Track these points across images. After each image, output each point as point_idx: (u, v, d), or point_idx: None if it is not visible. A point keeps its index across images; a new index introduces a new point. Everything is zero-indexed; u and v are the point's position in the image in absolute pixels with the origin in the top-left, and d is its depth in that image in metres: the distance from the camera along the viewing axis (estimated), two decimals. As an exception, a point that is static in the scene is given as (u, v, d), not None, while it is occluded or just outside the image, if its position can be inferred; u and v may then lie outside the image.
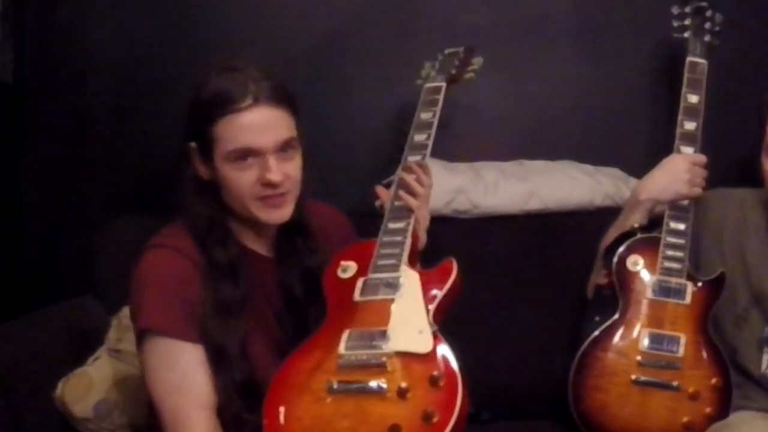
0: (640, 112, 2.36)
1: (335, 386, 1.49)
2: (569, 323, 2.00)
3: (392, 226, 1.70)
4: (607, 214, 2.08)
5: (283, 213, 1.60)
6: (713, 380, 1.79)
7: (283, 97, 1.58)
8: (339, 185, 1.74)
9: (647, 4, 2.31)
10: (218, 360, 1.53)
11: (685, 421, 1.77)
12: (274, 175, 1.55)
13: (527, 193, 2.19)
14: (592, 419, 1.83)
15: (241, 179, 1.56)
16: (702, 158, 1.93)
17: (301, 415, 1.48)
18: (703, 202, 1.94)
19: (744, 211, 1.94)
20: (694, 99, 1.98)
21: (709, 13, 2.08)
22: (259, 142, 1.54)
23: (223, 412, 1.54)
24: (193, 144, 1.59)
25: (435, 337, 1.51)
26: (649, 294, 1.86)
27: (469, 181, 2.19)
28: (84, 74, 2.33)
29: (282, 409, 1.48)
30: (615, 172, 2.26)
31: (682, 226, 1.90)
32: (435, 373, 1.47)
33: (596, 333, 1.85)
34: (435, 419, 1.42)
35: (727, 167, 2.05)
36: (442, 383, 1.46)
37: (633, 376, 1.80)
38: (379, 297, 1.58)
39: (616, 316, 1.85)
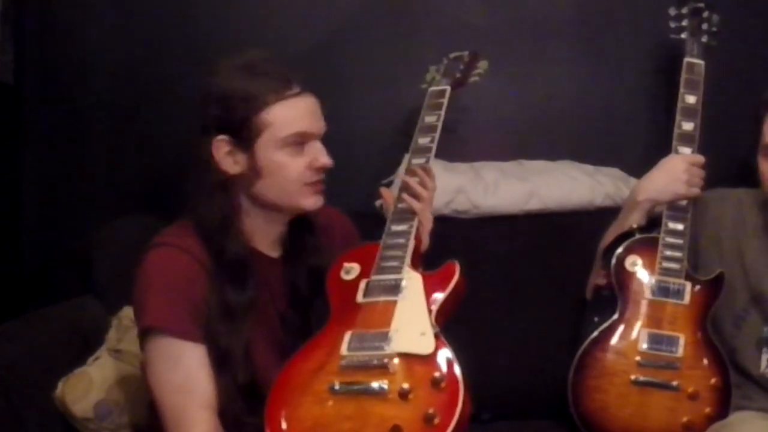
0: (639, 112, 2.36)
1: (337, 387, 1.49)
2: (569, 323, 2.00)
3: (395, 228, 1.71)
4: (607, 214, 2.08)
5: (322, 199, 1.65)
6: (713, 380, 1.79)
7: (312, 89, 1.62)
8: (341, 186, 1.74)
9: (645, 5, 2.31)
10: (222, 361, 1.54)
11: (685, 421, 1.77)
12: (326, 159, 1.61)
13: (527, 193, 2.19)
14: (592, 419, 1.83)
15: (295, 164, 1.59)
16: (700, 158, 1.93)
17: (303, 417, 1.48)
18: (702, 203, 1.95)
19: (742, 212, 1.94)
20: (691, 99, 1.98)
21: (706, 14, 2.09)
22: (314, 126, 1.60)
23: (224, 414, 1.54)
24: (222, 137, 1.58)
25: (437, 338, 1.52)
26: (648, 294, 1.86)
27: (469, 181, 2.19)
28: (84, 74, 2.33)
29: (284, 411, 1.49)
30: (615, 172, 2.26)
31: (680, 227, 1.90)
32: (437, 374, 1.47)
33: (595, 333, 1.85)
34: (436, 421, 1.43)
35: (725, 167, 2.05)
36: (443, 385, 1.46)
37: (632, 377, 1.80)
38: (382, 299, 1.59)
39: (616, 316, 1.86)
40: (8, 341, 1.84)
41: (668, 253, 1.87)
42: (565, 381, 1.85)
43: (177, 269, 1.56)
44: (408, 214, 1.73)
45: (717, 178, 1.97)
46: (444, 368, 1.48)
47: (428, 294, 1.59)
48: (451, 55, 2.06)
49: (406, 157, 1.87)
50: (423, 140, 1.83)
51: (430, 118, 1.87)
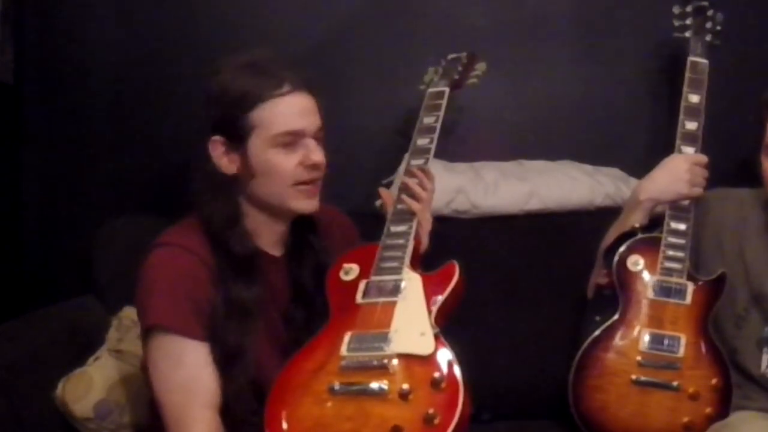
0: (640, 112, 2.36)
1: (337, 388, 1.49)
2: (569, 323, 2.00)
3: (395, 229, 1.71)
4: (607, 214, 2.08)
5: (316, 203, 1.64)
6: (713, 380, 1.79)
7: (311, 87, 1.62)
8: (341, 186, 1.74)
9: (647, 4, 2.31)
10: (226, 361, 1.54)
11: (685, 421, 1.77)
12: (317, 156, 1.60)
13: (527, 193, 2.19)
14: (593, 419, 1.83)
15: (286, 162, 1.59)
16: (703, 158, 1.92)
17: (303, 417, 1.48)
18: (704, 202, 1.94)
19: (744, 212, 1.94)
20: (695, 99, 1.98)
21: (710, 13, 2.09)
22: (304, 124, 1.59)
23: (229, 412, 1.53)
24: (217, 137, 1.59)
25: (437, 339, 1.52)
26: (649, 294, 1.86)
27: (469, 181, 2.19)
28: (84, 74, 2.33)
29: (284, 411, 1.49)
30: (615, 172, 2.26)
31: (682, 226, 1.90)
32: (436, 375, 1.47)
33: (596, 333, 1.85)
34: (436, 421, 1.43)
35: (728, 167, 2.05)
36: (443, 385, 1.46)
37: (633, 376, 1.80)
38: (382, 299, 1.59)
39: (617, 316, 1.86)
40: (8, 341, 1.84)
41: (670, 253, 1.87)
42: (565, 381, 1.85)
43: (180, 268, 1.56)
44: (407, 215, 1.74)
45: (719, 178, 1.97)
46: (444, 369, 1.48)
47: (428, 294, 1.59)
48: (450, 57, 2.07)
49: (406, 157, 1.87)
50: (422, 141, 1.84)
51: (428, 120, 1.88)
